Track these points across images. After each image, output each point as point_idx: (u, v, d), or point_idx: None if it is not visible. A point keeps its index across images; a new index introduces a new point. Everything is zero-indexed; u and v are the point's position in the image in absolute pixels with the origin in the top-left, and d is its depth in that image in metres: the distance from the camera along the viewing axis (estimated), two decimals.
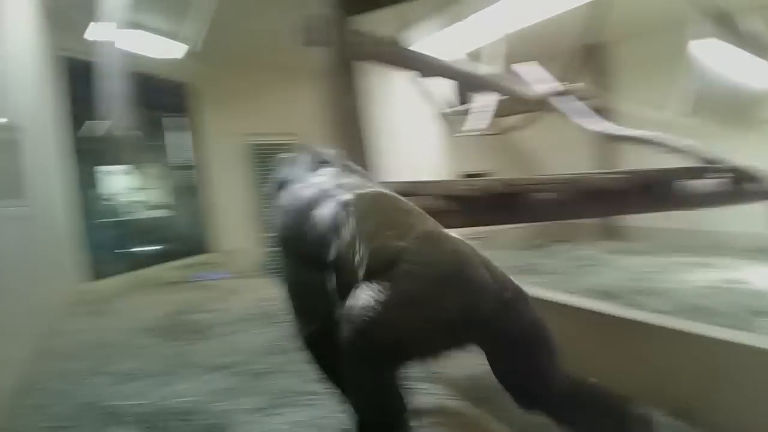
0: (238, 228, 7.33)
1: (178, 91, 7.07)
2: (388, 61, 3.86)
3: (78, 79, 5.31)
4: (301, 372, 2.61)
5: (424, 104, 6.42)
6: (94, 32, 5.02)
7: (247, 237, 7.36)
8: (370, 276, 1.39)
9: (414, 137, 7.95)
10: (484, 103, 6.61)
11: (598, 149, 7.79)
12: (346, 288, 1.46)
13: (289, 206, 1.90)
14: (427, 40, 6.28)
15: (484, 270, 1.45)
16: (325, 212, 1.68)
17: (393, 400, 1.44)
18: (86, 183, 5.76)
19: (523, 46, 6.20)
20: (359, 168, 2.40)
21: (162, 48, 5.70)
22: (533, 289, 4.12)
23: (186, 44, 5.89)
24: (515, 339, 1.48)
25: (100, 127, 5.86)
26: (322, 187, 1.82)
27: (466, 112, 6.84)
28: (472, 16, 6.10)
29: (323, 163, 2.19)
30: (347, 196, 1.68)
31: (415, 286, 1.37)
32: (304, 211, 1.77)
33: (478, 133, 6.75)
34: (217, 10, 4.95)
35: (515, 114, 8.01)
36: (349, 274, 1.47)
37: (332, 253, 1.57)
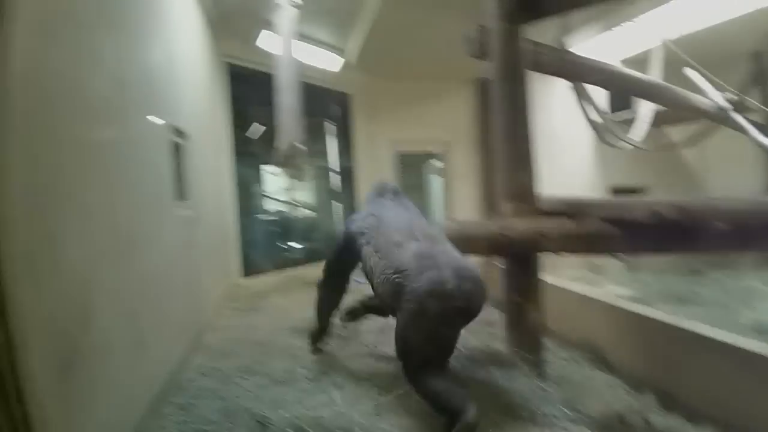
0: None
1: (338, 100, 7.33)
2: (554, 70, 3.55)
3: (240, 83, 5.72)
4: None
5: (580, 112, 5.91)
6: (264, 42, 5.37)
7: None
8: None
9: (567, 146, 7.46)
10: (644, 112, 6.06)
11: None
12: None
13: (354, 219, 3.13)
14: (583, 46, 5.91)
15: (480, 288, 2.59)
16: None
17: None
18: (242, 182, 6.11)
19: (684, 53, 5.66)
20: (406, 200, 3.38)
21: (323, 59, 5.94)
22: (692, 322, 3.71)
23: (343, 57, 6.13)
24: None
25: (258, 130, 6.36)
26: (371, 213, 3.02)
27: (621, 122, 6.29)
28: (629, 23, 5.86)
29: (386, 193, 3.36)
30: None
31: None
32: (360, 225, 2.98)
33: (640, 147, 6.10)
34: (375, 23, 5.00)
35: (678, 124, 7.30)
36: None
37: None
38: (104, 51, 2.00)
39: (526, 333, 3.21)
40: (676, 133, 7.96)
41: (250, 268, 5.97)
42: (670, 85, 5.06)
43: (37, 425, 1.10)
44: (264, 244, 6.67)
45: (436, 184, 8.27)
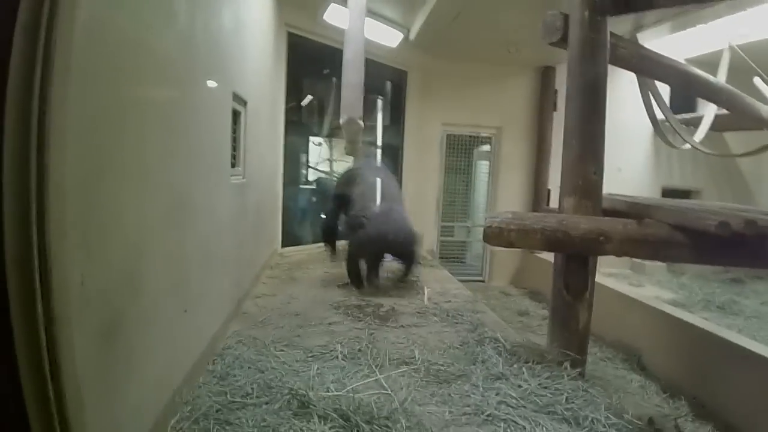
0: (423, 213, 7.34)
1: (393, 77, 7.19)
2: (631, 64, 3.39)
3: (296, 53, 5.64)
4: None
5: (644, 109, 5.66)
6: (331, 15, 5.27)
7: (429, 223, 7.34)
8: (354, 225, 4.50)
9: (624, 143, 7.21)
10: (708, 115, 5.79)
11: None
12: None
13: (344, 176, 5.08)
14: (652, 44, 5.63)
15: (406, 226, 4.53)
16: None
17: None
18: (289, 152, 6.07)
19: (748, 59, 5.55)
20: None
21: (382, 34, 5.84)
22: (733, 333, 4.00)
23: (402, 33, 6.00)
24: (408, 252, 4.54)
25: (310, 101, 6.31)
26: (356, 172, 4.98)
27: (683, 123, 6.00)
28: (701, 25, 5.68)
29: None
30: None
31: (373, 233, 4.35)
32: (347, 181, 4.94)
33: (704, 150, 5.82)
34: (438, 2, 4.86)
35: (736, 130, 7.02)
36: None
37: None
38: (176, 9, 1.93)
39: (574, 333, 3.08)
40: (731, 138, 7.64)
41: (289, 238, 5.97)
42: (740, 91, 4.75)
43: (71, 405, 1.05)
44: (304, 215, 6.66)
45: (483, 169, 8.08)
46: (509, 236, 2.91)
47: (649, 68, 3.63)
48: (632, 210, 3.34)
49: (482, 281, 7.85)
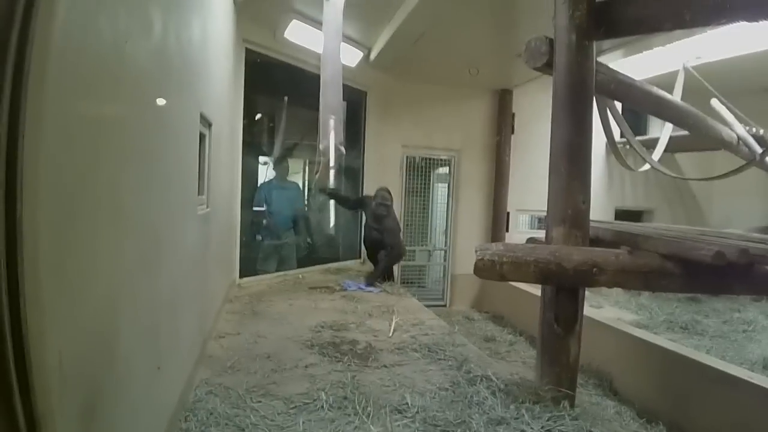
0: None
1: (354, 97, 6.99)
2: (607, 89, 3.43)
3: (255, 71, 5.38)
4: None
5: (603, 131, 5.78)
6: (292, 33, 5.06)
7: None
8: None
9: None
10: (664, 136, 6.00)
11: None
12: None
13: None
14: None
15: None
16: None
17: None
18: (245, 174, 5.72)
19: (703, 81, 5.75)
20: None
21: (344, 53, 5.66)
22: (706, 356, 4.04)
23: (362, 52, 5.88)
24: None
25: (261, 121, 6.03)
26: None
27: (640, 144, 6.19)
28: (658, 48, 5.90)
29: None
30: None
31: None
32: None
33: (665, 172, 6.02)
34: (403, 23, 4.80)
35: (689, 151, 7.37)
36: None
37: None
38: (152, 15, 1.66)
39: (565, 368, 2.96)
40: (682, 159, 8.01)
41: (248, 268, 5.60)
42: (704, 115, 4.92)
43: None
44: (260, 242, 6.30)
45: (441, 192, 8.02)
46: (502, 269, 2.78)
47: (624, 94, 3.64)
48: (619, 239, 3.30)
49: (444, 305, 7.72)
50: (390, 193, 6.16)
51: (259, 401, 2.58)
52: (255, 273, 5.70)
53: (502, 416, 2.51)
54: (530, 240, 3.51)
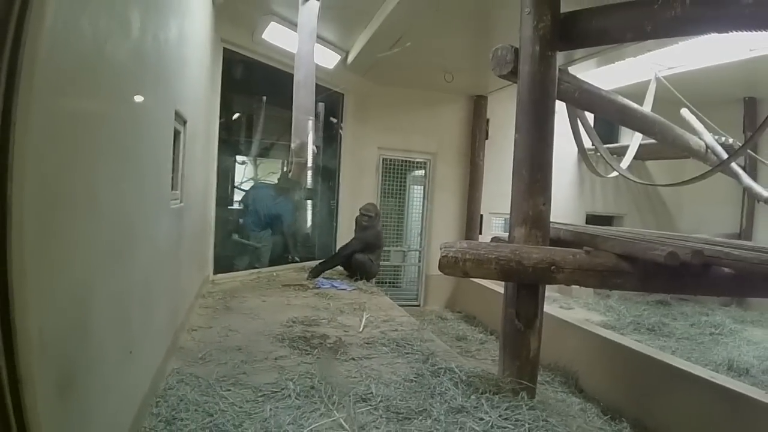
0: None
1: (329, 98, 7.09)
2: (572, 98, 3.59)
3: (232, 71, 5.45)
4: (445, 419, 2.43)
5: (573, 139, 6.00)
6: (270, 34, 5.14)
7: None
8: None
9: (553, 170, 7.59)
10: (633, 144, 6.24)
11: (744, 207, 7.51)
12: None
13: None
14: (581, 77, 6.06)
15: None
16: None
17: None
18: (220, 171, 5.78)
19: (674, 90, 6.01)
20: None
21: (320, 55, 5.77)
22: (670, 356, 4.26)
23: (340, 55, 5.98)
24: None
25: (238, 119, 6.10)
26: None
27: (608, 152, 6.44)
28: (630, 58, 6.06)
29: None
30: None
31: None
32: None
33: (632, 179, 6.24)
34: (381, 26, 4.90)
35: (658, 159, 7.61)
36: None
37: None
38: (130, 16, 1.75)
39: (526, 362, 3.11)
40: (653, 166, 8.28)
41: (222, 264, 5.66)
42: (671, 123, 5.13)
43: None
44: (234, 239, 6.36)
45: (417, 194, 8.16)
46: (465, 266, 2.91)
47: (588, 102, 3.81)
48: (578, 240, 3.46)
49: (418, 305, 7.86)
50: (375, 207, 6.40)
51: (229, 390, 2.67)
52: (229, 270, 5.76)
53: (462, 405, 2.64)
54: (494, 239, 3.66)
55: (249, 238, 6.37)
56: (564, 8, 3.15)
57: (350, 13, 5.10)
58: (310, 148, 3.52)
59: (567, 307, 6.63)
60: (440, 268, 2.96)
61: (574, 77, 3.56)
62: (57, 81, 1.13)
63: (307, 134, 3.43)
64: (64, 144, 1.25)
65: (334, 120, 7.24)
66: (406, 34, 5.23)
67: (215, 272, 5.48)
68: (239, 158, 6.83)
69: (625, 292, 6.93)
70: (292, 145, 3.48)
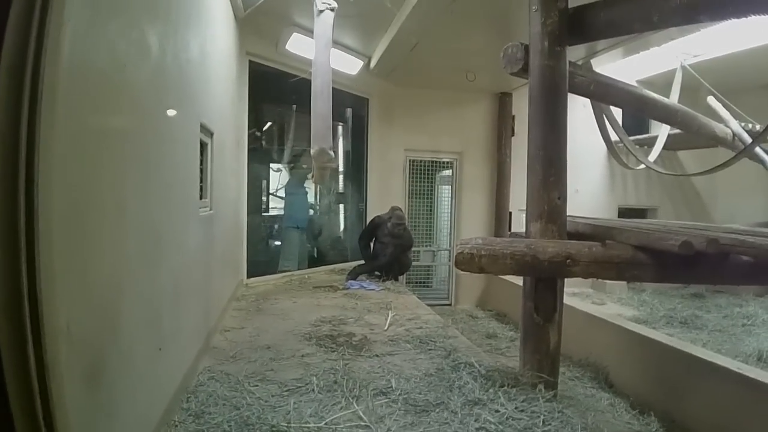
0: None
1: (354, 104, 7.31)
2: (587, 91, 3.58)
3: (260, 82, 5.66)
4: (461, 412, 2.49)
5: (599, 132, 5.95)
6: (294, 45, 5.33)
7: None
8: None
9: (579, 166, 7.52)
10: (662, 135, 6.13)
11: None
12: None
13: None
14: (605, 68, 6.00)
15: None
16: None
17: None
18: (252, 179, 5.99)
19: (700, 78, 5.94)
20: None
21: (342, 61, 5.95)
22: (697, 348, 4.24)
23: (362, 61, 6.12)
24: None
25: (270, 129, 6.32)
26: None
27: (636, 144, 6.35)
28: (654, 48, 6.04)
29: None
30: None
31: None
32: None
33: (660, 171, 6.14)
34: (400, 30, 5.01)
35: (688, 148, 7.43)
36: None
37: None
38: (149, 42, 1.92)
39: (545, 355, 3.14)
40: (685, 156, 8.09)
41: (254, 269, 5.88)
42: (694, 112, 5.03)
43: None
44: (269, 244, 6.59)
45: (445, 193, 8.23)
46: (480, 262, 2.96)
47: (604, 94, 3.80)
48: (595, 232, 3.47)
49: (449, 305, 7.92)
50: (402, 211, 6.55)
51: (256, 385, 2.83)
52: (262, 273, 5.97)
53: (479, 398, 2.71)
54: (512, 235, 3.70)
55: (284, 241, 6.60)
56: (572, 2, 3.18)
57: (369, 20, 5.22)
58: (329, 154, 3.66)
59: (600, 302, 6.56)
60: (456, 264, 3.03)
61: (589, 70, 3.57)
62: (78, 103, 1.29)
63: (326, 140, 3.57)
64: (89, 158, 1.41)
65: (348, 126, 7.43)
66: (424, 37, 5.32)
67: (248, 276, 5.69)
68: (274, 166, 7.06)
69: (660, 285, 6.83)
70: (312, 151, 3.63)
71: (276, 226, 6.87)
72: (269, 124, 6.96)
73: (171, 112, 2.47)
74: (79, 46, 1.29)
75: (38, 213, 0.99)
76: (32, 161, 0.99)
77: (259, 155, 6.45)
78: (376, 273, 6.44)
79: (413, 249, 7.21)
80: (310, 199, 7.41)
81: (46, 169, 1.03)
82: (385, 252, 6.32)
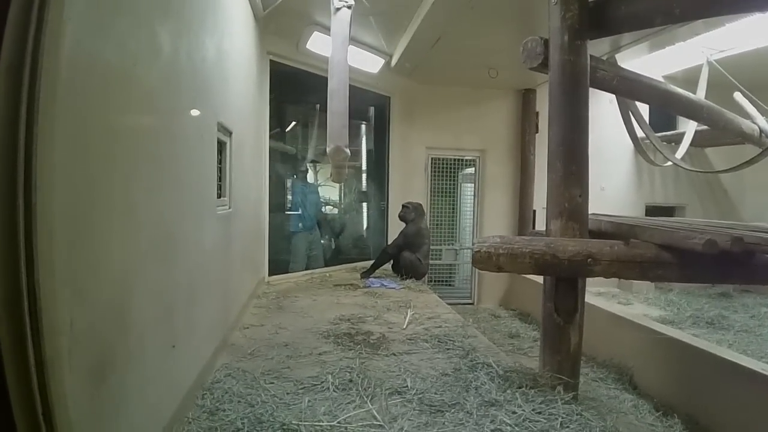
0: None
1: (375, 102, 7.31)
2: (610, 86, 3.49)
3: (281, 82, 5.70)
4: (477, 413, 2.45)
5: (625, 129, 5.81)
6: (314, 44, 5.35)
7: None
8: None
9: (606, 163, 7.37)
10: (689, 131, 5.96)
11: None
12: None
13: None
14: (630, 63, 5.85)
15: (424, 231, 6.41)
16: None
17: None
18: (273, 178, 6.03)
19: (727, 74, 5.74)
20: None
21: (363, 60, 5.95)
22: (722, 349, 4.09)
23: (384, 59, 6.10)
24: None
25: (293, 128, 6.36)
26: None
27: (663, 140, 6.17)
28: (680, 43, 5.92)
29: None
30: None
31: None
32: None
33: (686, 168, 5.98)
34: (420, 27, 4.98)
35: (716, 145, 7.24)
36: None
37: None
38: (161, 41, 1.93)
39: (566, 356, 3.07)
40: (713, 153, 7.86)
41: (275, 266, 5.92)
42: (720, 107, 4.87)
43: None
44: (291, 242, 6.64)
45: (468, 191, 8.15)
46: (498, 260, 2.91)
47: (629, 89, 3.71)
48: (618, 231, 3.38)
49: (471, 304, 7.85)
50: (413, 204, 6.43)
51: (272, 383, 2.83)
52: (284, 271, 6.01)
53: (495, 399, 2.66)
54: (531, 233, 3.63)
55: (303, 239, 6.63)
56: None
57: (390, 18, 5.20)
58: (346, 152, 3.65)
59: (626, 302, 6.41)
60: (473, 263, 2.99)
61: (612, 65, 3.48)
62: (83, 102, 1.30)
63: (342, 138, 3.57)
64: (96, 156, 1.42)
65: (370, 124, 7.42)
66: (444, 34, 5.26)
67: (270, 274, 5.74)
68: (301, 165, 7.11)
69: (687, 285, 6.66)
70: (328, 150, 3.63)
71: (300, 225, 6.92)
72: (293, 123, 7.00)
73: (194, 112, 2.50)
74: (84, 45, 1.30)
75: (37, 210, 1.00)
76: (30, 159, 1.00)
77: (284, 154, 6.49)
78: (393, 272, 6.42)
79: (434, 248, 7.16)
80: (334, 196, 7.45)
81: (46, 167, 1.04)
82: (390, 245, 6.37)
